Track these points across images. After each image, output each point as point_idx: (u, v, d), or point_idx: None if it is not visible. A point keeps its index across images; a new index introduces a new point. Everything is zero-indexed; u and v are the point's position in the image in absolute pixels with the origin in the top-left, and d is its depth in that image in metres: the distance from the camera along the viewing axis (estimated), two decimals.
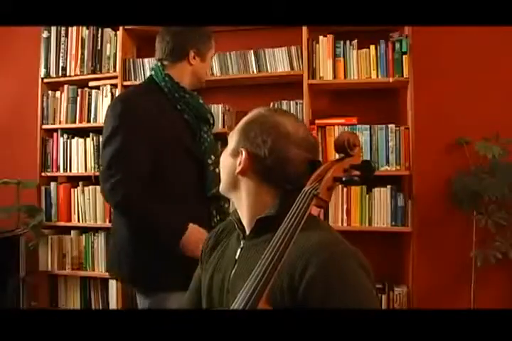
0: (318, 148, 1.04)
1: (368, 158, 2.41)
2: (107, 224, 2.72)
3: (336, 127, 2.47)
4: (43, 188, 2.85)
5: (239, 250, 1.00)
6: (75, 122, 2.83)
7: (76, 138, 2.83)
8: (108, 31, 2.81)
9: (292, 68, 2.57)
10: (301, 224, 0.84)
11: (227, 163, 1.01)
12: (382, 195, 2.42)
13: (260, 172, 0.96)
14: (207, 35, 1.76)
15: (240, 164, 0.97)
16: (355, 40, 2.49)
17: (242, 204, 1.00)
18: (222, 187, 1.05)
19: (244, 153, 0.96)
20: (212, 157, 1.69)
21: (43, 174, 2.86)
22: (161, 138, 1.61)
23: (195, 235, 1.55)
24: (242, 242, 1.01)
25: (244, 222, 1.01)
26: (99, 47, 2.80)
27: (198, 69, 1.75)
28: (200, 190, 1.67)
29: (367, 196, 2.43)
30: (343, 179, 0.93)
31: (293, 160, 0.95)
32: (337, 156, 1.00)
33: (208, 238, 1.14)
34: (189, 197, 1.66)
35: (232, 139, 1.01)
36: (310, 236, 0.86)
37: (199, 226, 1.59)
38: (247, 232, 1.00)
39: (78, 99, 2.83)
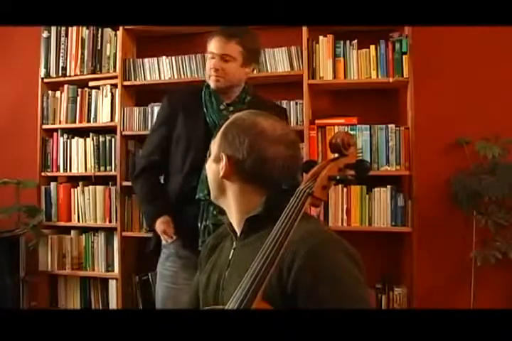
0: (299, 144, 1.05)
1: (368, 158, 2.41)
2: (107, 224, 2.73)
3: (336, 127, 2.46)
4: (42, 188, 2.84)
5: (232, 251, 1.02)
6: (74, 122, 2.83)
7: (76, 138, 2.83)
8: (108, 31, 2.81)
9: (292, 68, 2.56)
10: (296, 223, 0.85)
11: (212, 169, 1.03)
12: (382, 195, 2.42)
13: (243, 173, 0.97)
14: (212, 35, 1.78)
15: (222, 168, 0.98)
16: (355, 40, 2.48)
17: (231, 208, 1.02)
18: (212, 195, 1.06)
19: (224, 157, 0.98)
20: None
21: (42, 174, 2.86)
22: (175, 137, 1.78)
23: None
24: (234, 243, 1.03)
25: (235, 224, 1.02)
26: (99, 47, 2.80)
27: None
28: (193, 192, 1.71)
29: (367, 196, 2.42)
30: (338, 178, 0.94)
31: (273, 157, 0.95)
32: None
33: (207, 242, 1.17)
34: (180, 195, 1.74)
35: (215, 145, 1.03)
36: (296, 229, 0.86)
37: (183, 226, 1.73)
38: (238, 234, 1.01)
39: (78, 99, 2.83)
